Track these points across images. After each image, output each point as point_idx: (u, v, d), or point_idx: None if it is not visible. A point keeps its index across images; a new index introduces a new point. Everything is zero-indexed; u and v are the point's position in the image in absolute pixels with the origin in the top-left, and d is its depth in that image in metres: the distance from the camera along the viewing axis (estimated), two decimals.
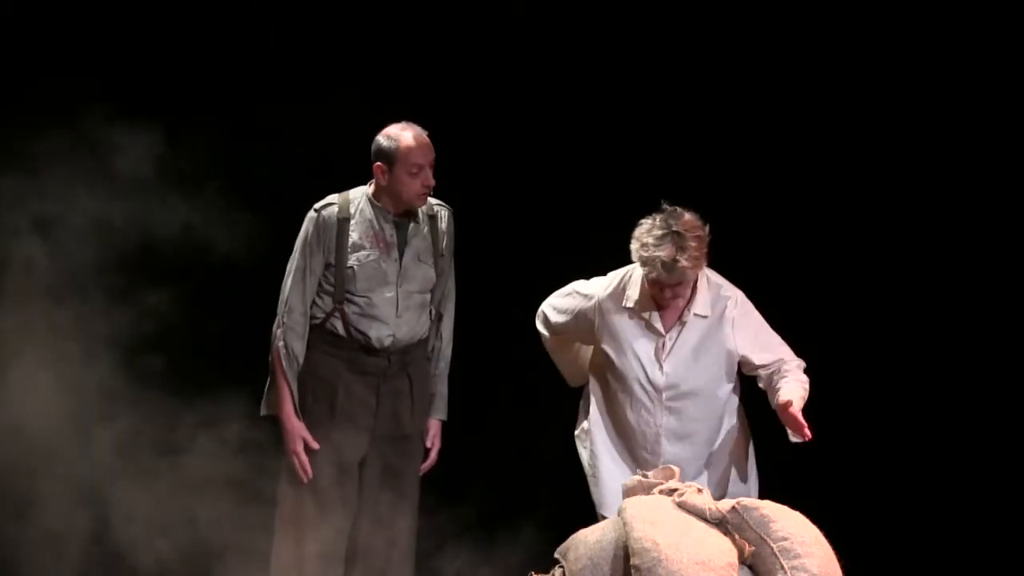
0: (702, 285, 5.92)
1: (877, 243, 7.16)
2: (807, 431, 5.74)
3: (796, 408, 5.75)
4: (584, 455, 6.14)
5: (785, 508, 5.30)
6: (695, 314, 5.92)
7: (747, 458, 6.06)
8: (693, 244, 5.74)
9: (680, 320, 5.93)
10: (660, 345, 5.95)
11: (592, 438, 6.09)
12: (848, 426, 6.92)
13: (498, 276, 6.99)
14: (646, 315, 5.94)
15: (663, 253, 5.74)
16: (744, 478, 6.03)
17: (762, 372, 5.94)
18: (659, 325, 5.94)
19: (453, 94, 7.12)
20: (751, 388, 6.04)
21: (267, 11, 7.08)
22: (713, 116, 7.18)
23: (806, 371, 5.94)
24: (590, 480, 6.11)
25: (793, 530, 5.17)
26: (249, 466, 6.18)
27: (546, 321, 6.18)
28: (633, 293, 5.96)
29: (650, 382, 5.95)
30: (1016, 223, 7.05)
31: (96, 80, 6.55)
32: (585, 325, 6.06)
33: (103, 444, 6.14)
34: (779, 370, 5.90)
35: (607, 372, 6.03)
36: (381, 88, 6.99)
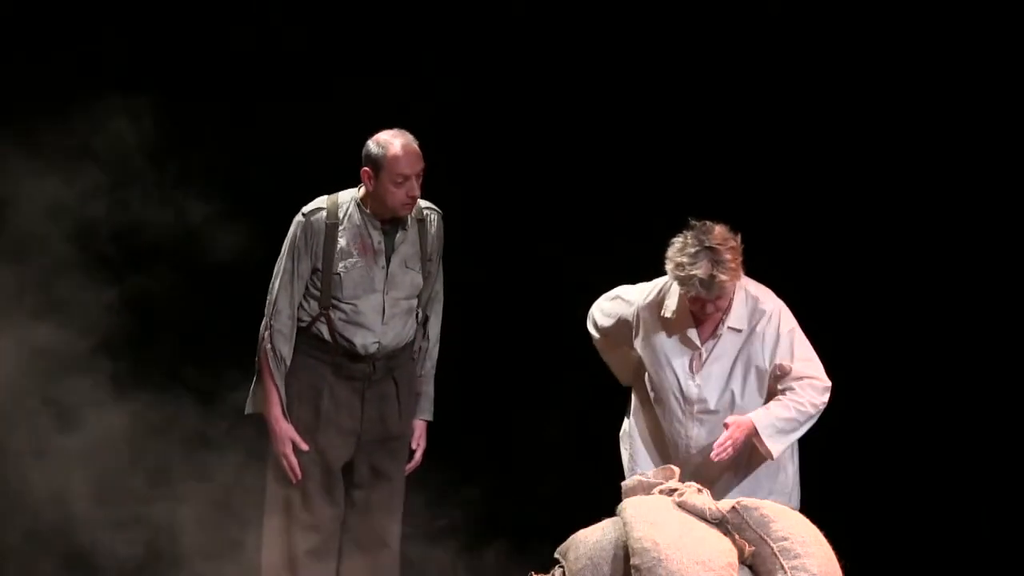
0: (739, 298, 5.87)
1: (886, 246, 7.19)
2: (720, 451, 5.75)
3: (731, 430, 5.76)
4: (624, 455, 6.13)
5: (785, 508, 5.29)
6: (729, 327, 5.88)
7: (782, 472, 5.97)
8: (728, 257, 5.71)
9: (715, 333, 5.89)
10: (695, 357, 5.92)
11: (632, 441, 6.09)
12: (847, 427, 6.91)
13: (493, 275, 6.99)
14: (683, 327, 5.91)
15: (699, 271, 5.70)
16: (779, 493, 5.92)
17: (778, 386, 5.89)
18: (695, 338, 5.91)
19: (450, 94, 7.13)
20: None
21: (266, 11, 7.08)
22: (707, 116, 7.21)
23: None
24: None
25: (793, 530, 5.15)
26: (237, 465, 6.18)
27: (594, 322, 6.16)
28: (671, 304, 5.92)
29: (683, 393, 5.92)
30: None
31: (93, 76, 6.56)
32: (625, 330, 6.04)
33: (96, 440, 6.12)
34: (786, 388, 5.85)
35: (644, 379, 6.02)
36: (379, 88, 6.97)
